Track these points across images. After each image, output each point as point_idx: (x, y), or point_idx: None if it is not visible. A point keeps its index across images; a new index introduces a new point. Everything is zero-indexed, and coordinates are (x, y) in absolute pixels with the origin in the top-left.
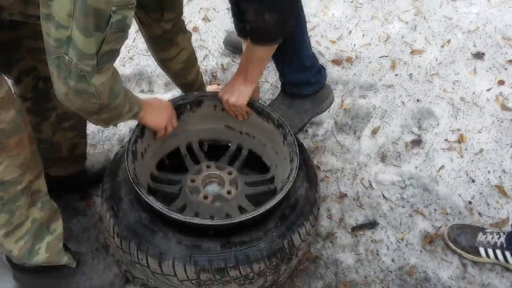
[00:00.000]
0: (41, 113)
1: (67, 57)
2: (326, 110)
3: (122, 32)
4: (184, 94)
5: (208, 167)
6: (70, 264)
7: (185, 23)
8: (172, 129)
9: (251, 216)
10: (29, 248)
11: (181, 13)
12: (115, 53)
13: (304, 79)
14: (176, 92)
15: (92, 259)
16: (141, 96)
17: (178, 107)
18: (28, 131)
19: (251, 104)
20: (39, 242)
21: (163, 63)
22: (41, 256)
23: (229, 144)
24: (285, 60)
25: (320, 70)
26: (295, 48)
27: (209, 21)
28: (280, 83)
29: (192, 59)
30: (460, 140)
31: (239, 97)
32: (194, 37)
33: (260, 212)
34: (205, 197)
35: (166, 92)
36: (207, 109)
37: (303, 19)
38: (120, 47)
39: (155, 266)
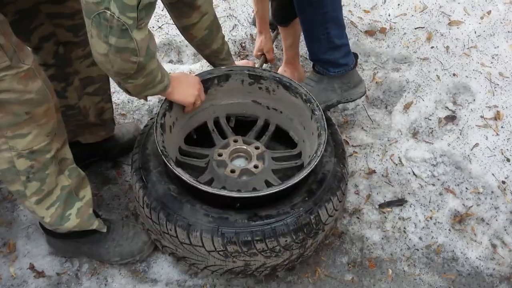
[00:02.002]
0: (65, 79)
1: (108, 12)
2: (355, 99)
3: None
4: (212, 66)
5: (235, 141)
6: (101, 229)
7: None
8: (200, 103)
9: (277, 190)
10: (60, 214)
11: None
12: (152, 6)
13: (332, 58)
14: (205, 62)
15: (122, 226)
16: (170, 66)
17: (206, 81)
18: (55, 100)
19: (279, 78)
20: (69, 208)
21: (186, 30)
22: (72, 221)
23: (257, 119)
24: (314, 38)
25: (350, 53)
26: (326, 24)
27: None
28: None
29: (215, 24)
30: (497, 117)
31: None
32: (223, 6)
33: (287, 186)
34: (232, 171)
35: (194, 63)
36: (235, 84)
37: None
38: (156, 0)
39: (184, 237)
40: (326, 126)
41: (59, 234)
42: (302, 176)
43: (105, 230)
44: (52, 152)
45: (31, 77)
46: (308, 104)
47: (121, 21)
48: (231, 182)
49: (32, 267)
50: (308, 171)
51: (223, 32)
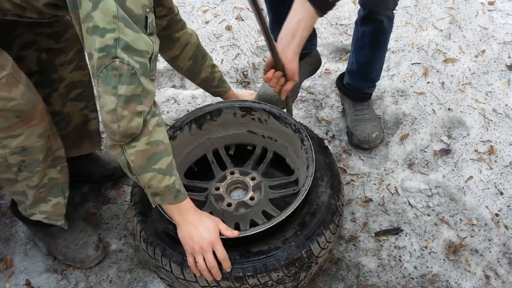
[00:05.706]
0: (49, 85)
1: (117, 60)
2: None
3: (153, 35)
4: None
5: (232, 173)
6: (63, 226)
7: (219, 22)
8: (203, 263)
9: (261, 230)
10: (43, 197)
11: (173, 9)
12: (157, 56)
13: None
14: None
15: (79, 231)
16: (173, 91)
17: (199, 118)
18: (42, 103)
19: (269, 109)
20: (51, 196)
21: (172, 62)
22: (47, 207)
23: (249, 147)
24: (382, 61)
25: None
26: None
27: (242, 20)
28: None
29: (200, 54)
30: (490, 151)
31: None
32: (227, 35)
33: (272, 224)
34: (229, 205)
35: (197, 88)
36: (227, 117)
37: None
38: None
39: (178, 272)
40: (314, 158)
41: (29, 220)
42: (288, 213)
43: (66, 228)
44: (44, 153)
45: (12, 82)
46: (298, 134)
47: (130, 65)
48: (229, 216)
49: (28, 283)
50: (295, 206)
51: (226, 60)
